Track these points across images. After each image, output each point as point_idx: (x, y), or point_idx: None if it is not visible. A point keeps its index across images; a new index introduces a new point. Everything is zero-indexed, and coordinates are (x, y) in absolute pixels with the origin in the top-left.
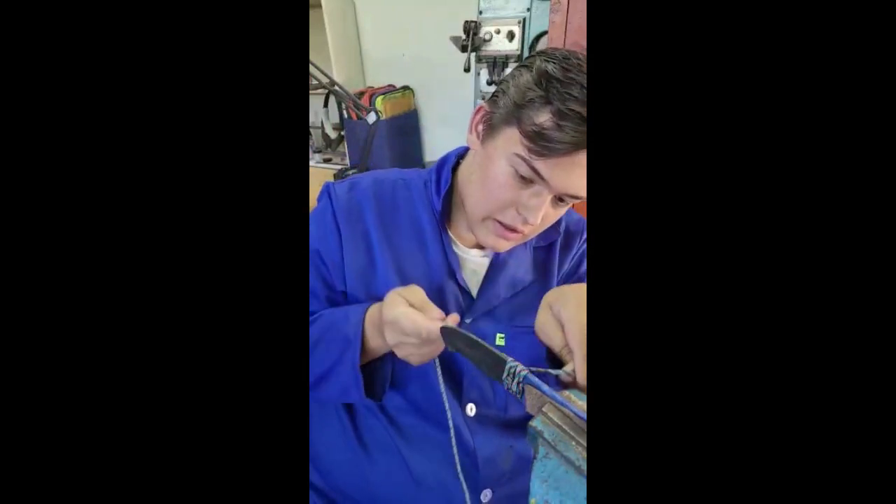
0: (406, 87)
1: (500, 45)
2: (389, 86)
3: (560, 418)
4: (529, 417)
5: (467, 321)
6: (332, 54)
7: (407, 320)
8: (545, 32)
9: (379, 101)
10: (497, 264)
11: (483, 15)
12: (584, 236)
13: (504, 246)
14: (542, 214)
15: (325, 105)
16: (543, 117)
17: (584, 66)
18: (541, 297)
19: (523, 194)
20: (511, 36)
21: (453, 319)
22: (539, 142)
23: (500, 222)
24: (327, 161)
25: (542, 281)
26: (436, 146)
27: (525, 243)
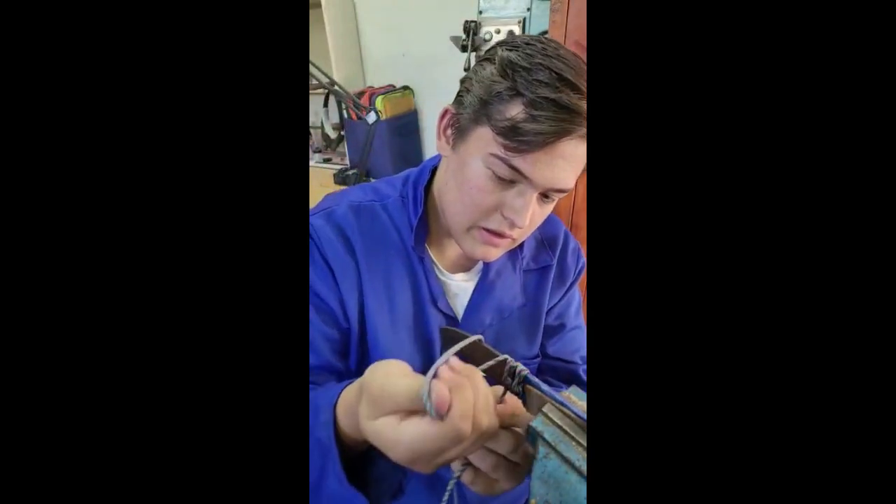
0: (406, 87)
1: None
2: (389, 86)
3: (560, 418)
4: None
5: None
6: (332, 54)
7: (390, 381)
8: (545, 32)
9: (379, 101)
10: (483, 289)
11: (483, 15)
12: (581, 265)
13: (493, 254)
14: (529, 215)
15: (325, 105)
16: (515, 110)
17: (550, 48)
18: (529, 324)
19: (506, 196)
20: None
21: (495, 392)
22: (514, 137)
23: (486, 229)
24: (327, 161)
25: (532, 306)
26: (435, 146)
27: (514, 265)
